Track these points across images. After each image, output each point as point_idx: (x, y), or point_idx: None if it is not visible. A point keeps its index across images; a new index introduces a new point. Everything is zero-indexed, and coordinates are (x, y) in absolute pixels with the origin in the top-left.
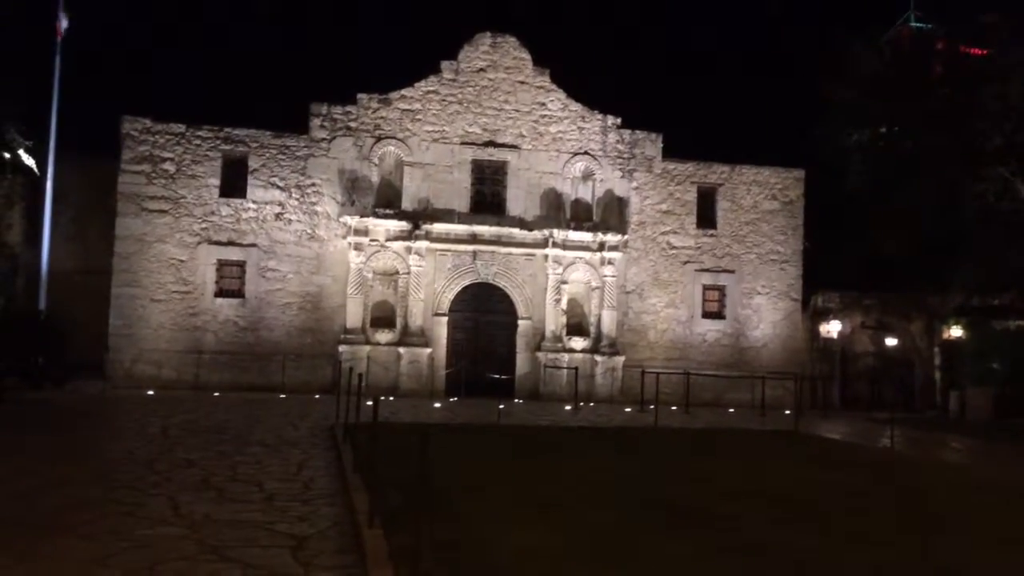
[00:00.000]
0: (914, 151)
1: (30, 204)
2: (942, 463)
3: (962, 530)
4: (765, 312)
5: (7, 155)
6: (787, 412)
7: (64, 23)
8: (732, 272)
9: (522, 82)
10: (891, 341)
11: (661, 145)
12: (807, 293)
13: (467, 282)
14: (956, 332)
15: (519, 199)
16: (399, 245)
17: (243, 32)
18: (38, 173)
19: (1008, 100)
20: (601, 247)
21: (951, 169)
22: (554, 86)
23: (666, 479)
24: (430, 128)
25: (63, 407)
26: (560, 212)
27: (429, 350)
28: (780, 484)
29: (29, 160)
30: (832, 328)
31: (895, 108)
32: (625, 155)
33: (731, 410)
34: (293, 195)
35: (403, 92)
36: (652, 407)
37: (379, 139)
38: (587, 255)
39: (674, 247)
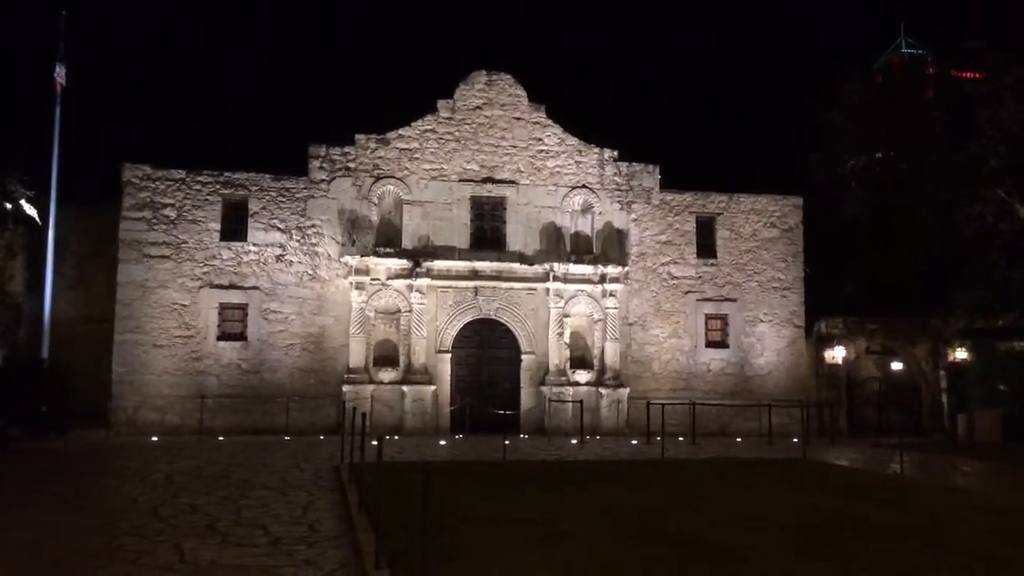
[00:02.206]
0: (911, 175)
1: (32, 254)
2: (954, 488)
3: (982, 557)
4: (768, 340)
5: (9, 206)
6: (794, 440)
7: (63, 75)
8: (734, 301)
9: (518, 118)
10: (896, 365)
11: (658, 176)
12: (810, 319)
13: (469, 318)
14: (961, 354)
15: (519, 234)
16: (400, 283)
17: (240, 77)
18: (39, 223)
19: (1002, 123)
20: (602, 279)
21: (948, 192)
22: (550, 121)
23: (676, 511)
24: (428, 166)
25: (67, 455)
26: (560, 246)
27: (433, 388)
28: (791, 513)
29: (31, 210)
30: (836, 354)
31: (890, 133)
32: (623, 187)
33: (738, 439)
34: (294, 236)
35: (401, 131)
36: (658, 439)
37: (378, 178)
38: (588, 288)
39: (675, 277)
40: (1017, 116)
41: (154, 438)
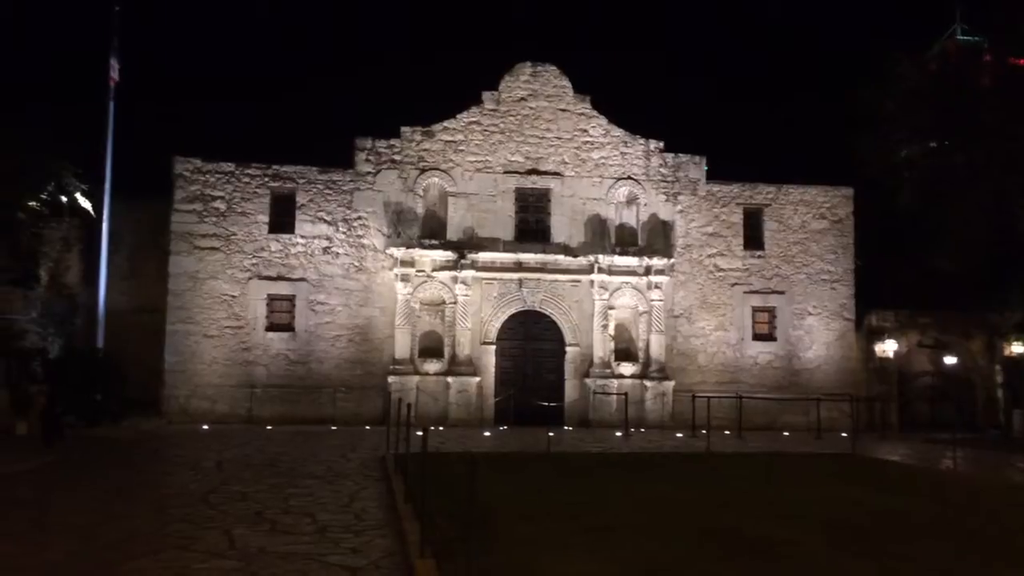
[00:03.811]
0: (966, 165)
1: (87, 246)
2: (1010, 485)
3: None
4: (817, 333)
5: (64, 199)
6: (844, 434)
7: (116, 69)
8: (782, 293)
9: (563, 110)
10: (950, 360)
11: (705, 167)
12: (860, 312)
13: (513, 310)
14: (1018, 349)
15: (563, 226)
16: (445, 275)
17: (288, 69)
18: (94, 215)
19: None
20: (647, 271)
21: (1004, 182)
22: (595, 112)
23: (722, 506)
24: (473, 158)
25: (120, 443)
26: (605, 238)
27: (477, 379)
28: (839, 509)
29: (86, 203)
30: (888, 347)
31: (944, 121)
32: (669, 179)
33: (785, 433)
34: (340, 229)
35: (446, 124)
36: (704, 432)
37: (423, 171)
38: (633, 280)
39: (721, 269)
40: None
41: (205, 426)
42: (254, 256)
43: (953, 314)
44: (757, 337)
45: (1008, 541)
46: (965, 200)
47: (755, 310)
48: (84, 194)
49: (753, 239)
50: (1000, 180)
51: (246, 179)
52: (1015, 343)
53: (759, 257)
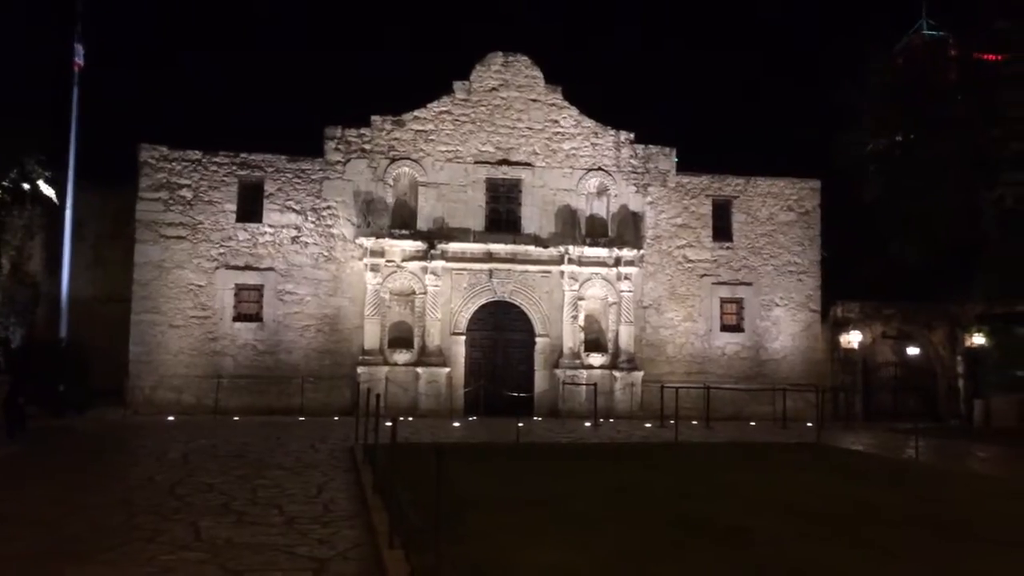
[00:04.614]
0: (931, 158)
1: (50, 234)
2: (970, 473)
3: (998, 544)
4: (784, 324)
5: (27, 186)
6: (809, 424)
7: (81, 55)
8: (749, 284)
9: (534, 100)
10: (913, 350)
11: (675, 159)
12: (826, 304)
13: (484, 301)
14: (979, 340)
15: (534, 216)
16: (415, 265)
17: (256, 57)
18: (57, 203)
19: None
20: (617, 262)
21: (968, 176)
22: (566, 103)
23: (690, 495)
24: (444, 148)
25: (85, 434)
26: (575, 228)
27: (447, 369)
28: (807, 498)
29: (48, 190)
30: (852, 338)
31: (911, 116)
32: (639, 170)
33: (752, 423)
34: (309, 218)
35: (416, 113)
36: (672, 422)
37: (393, 160)
38: (603, 271)
39: (690, 260)
40: None
41: (170, 417)
42: (221, 245)
43: (916, 306)
44: (725, 328)
45: (969, 527)
46: (930, 193)
47: (723, 301)
48: (48, 181)
49: (722, 230)
50: (965, 173)
51: (213, 167)
52: (976, 334)
53: (727, 248)
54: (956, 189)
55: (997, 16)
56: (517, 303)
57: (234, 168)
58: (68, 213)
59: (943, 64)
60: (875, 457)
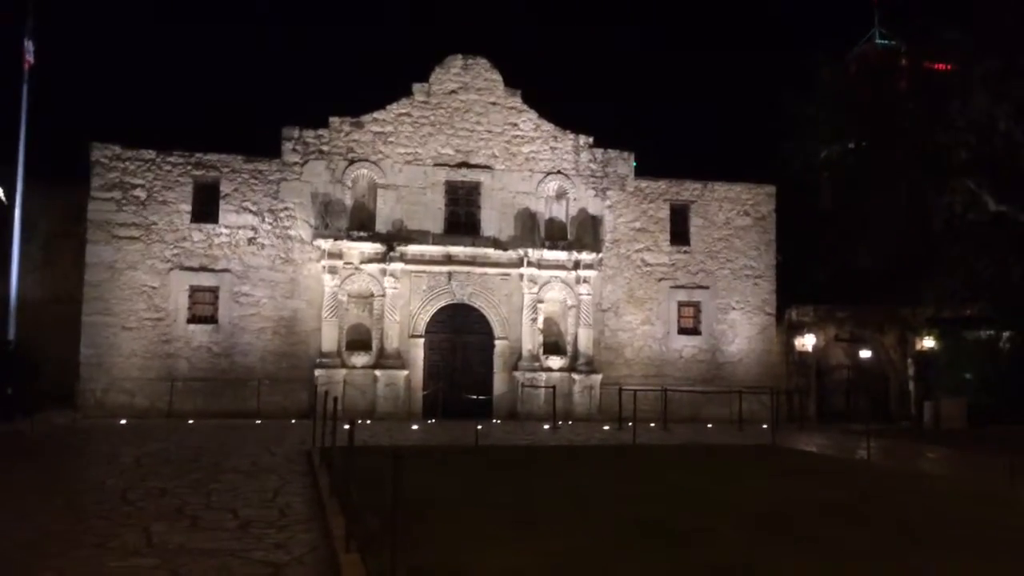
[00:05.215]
0: (882, 165)
1: None
2: (919, 473)
3: (942, 542)
4: (740, 327)
5: None
6: (764, 426)
7: (32, 51)
8: (706, 288)
9: (494, 103)
10: (865, 353)
11: (634, 163)
12: (781, 307)
13: (443, 303)
14: (929, 343)
15: (493, 219)
16: (374, 268)
17: (213, 57)
18: (6, 202)
19: (972, 115)
20: (576, 266)
21: (919, 182)
22: (526, 106)
23: (646, 497)
24: (403, 150)
25: (34, 438)
26: (534, 231)
27: (406, 372)
28: (760, 499)
29: None
30: (807, 341)
31: (862, 123)
32: (598, 174)
33: (709, 425)
34: (266, 219)
35: (375, 115)
36: (630, 424)
37: (352, 162)
38: (562, 274)
39: (648, 264)
40: (986, 108)
41: (123, 421)
42: (176, 246)
43: (869, 309)
44: (682, 331)
45: (919, 526)
46: (881, 200)
47: (681, 304)
48: None
49: (679, 235)
50: (916, 180)
51: (168, 167)
52: (926, 337)
53: (685, 252)
54: (907, 196)
55: (946, 27)
56: (476, 306)
57: (189, 168)
58: (17, 212)
59: (894, 73)
60: (828, 458)
